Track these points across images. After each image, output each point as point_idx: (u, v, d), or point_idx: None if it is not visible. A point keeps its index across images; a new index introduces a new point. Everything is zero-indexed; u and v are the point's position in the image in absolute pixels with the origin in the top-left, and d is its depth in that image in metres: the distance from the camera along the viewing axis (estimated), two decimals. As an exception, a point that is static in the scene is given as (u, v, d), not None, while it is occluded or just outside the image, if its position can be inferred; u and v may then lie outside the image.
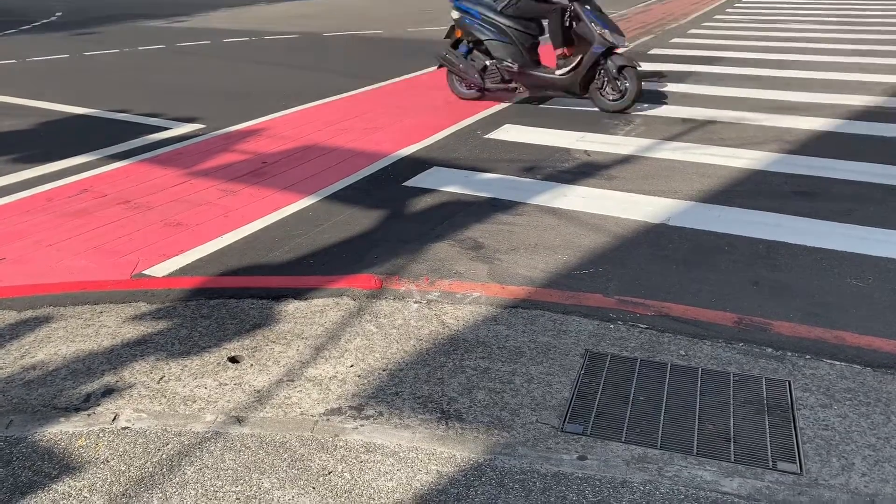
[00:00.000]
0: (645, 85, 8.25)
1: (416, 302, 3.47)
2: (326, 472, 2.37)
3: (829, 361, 2.94)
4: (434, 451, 2.45)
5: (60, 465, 2.42)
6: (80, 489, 2.31)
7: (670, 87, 8.15)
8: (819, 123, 6.55)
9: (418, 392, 2.77)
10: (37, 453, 2.48)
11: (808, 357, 2.97)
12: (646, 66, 9.41)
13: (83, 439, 2.54)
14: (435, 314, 3.35)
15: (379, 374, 2.90)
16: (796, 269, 3.78)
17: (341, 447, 2.48)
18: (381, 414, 2.65)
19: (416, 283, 3.68)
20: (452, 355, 3.02)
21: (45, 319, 3.37)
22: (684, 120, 6.76)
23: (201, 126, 6.95)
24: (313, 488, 2.30)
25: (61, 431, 2.58)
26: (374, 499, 2.26)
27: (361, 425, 2.59)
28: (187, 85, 9.00)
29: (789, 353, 3.00)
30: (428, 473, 2.36)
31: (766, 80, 8.51)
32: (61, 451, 2.48)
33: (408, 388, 2.80)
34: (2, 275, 3.86)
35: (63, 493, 2.29)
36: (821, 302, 3.45)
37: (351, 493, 2.28)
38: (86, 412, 2.69)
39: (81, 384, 2.86)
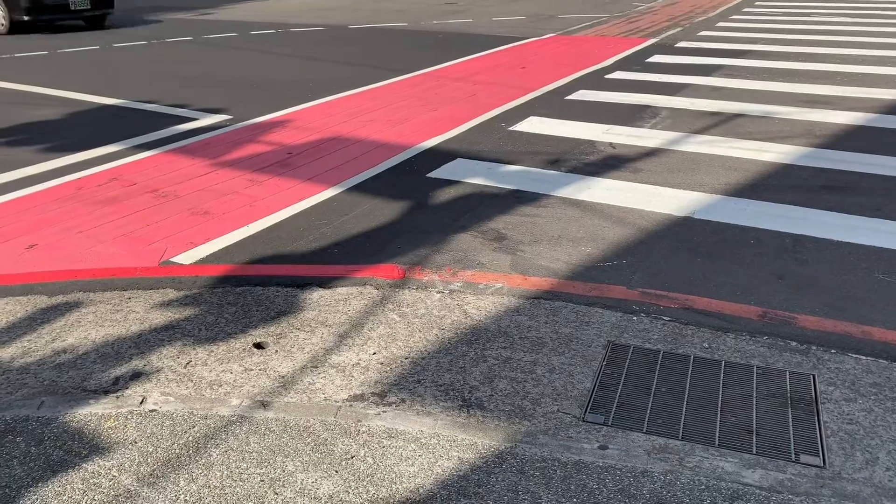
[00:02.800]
0: (672, 78, 8.19)
1: (438, 292, 3.49)
2: (349, 457, 2.40)
3: (854, 356, 2.91)
4: (455, 438, 2.47)
5: (90, 445, 2.47)
6: (109, 468, 2.36)
7: (698, 81, 8.08)
8: (849, 117, 6.46)
9: (440, 380, 2.79)
10: (67, 433, 2.53)
11: (833, 351, 2.94)
12: (670, 59, 9.35)
13: (112, 421, 2.59)
14: (457, 304, 3.36)
15: (401, 361, 2.92)
16: (823, 263, 3.74)
17: (364, 432, 2.51)
18: (403, 401, 2.67)
19: (439, 273, 3.70)
20: (474, 345, 3.03)
21: (76, 304, 3.44)
22: (712, 113, 6.70)
23: (228, 117, 7.02)
24: (336, 472, 2.33)
25: (91, 413, 2.64)
26: (395, 483, 2.28)
27: (384, 411, 2.62)
28: (214, 76, 9.09)
29: (814, 347, 2.97)
30: (449, 459, 2.38)
31: (795, 73, 8.40)
32: (91, 431, 2.54)
33: (430, 376, 2.82)
34: (34, 261, 3.94)
35: (93, 472, 2.35)
36: (847, 296, 3.42)
37: (373, 477, 2.31)
38: (114, 395, 2.74)
39: (110, 367, 2.92)
